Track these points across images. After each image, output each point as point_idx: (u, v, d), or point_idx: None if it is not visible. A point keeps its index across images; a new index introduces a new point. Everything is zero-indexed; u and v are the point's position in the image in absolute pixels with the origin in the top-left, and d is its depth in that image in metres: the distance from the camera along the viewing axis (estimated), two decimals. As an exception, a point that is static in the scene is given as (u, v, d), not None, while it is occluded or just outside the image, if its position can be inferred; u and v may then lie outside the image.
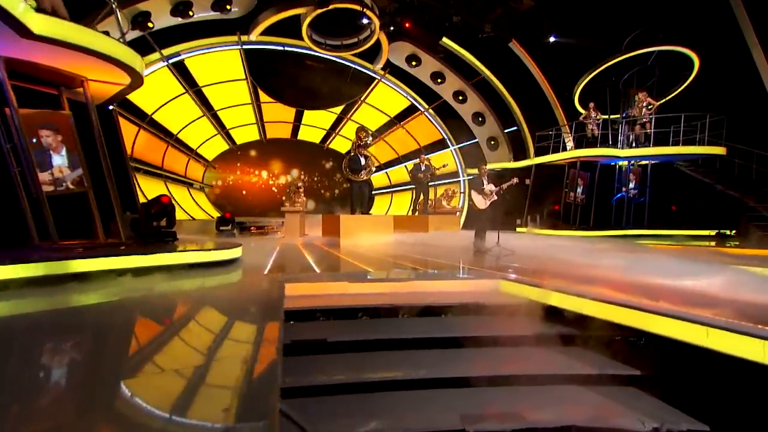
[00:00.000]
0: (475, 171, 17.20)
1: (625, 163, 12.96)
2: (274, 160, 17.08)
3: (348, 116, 16.48)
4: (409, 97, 16.09)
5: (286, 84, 14.45)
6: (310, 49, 13.50)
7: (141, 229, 5.80)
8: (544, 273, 4.39)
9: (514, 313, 3.54)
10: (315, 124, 16.83)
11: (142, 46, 10.32)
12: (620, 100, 13.68)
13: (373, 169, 9.75)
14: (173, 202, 6.44)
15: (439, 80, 15.18)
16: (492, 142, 15.91)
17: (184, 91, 12.18)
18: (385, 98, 16.12)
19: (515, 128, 15.47)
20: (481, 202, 7.67)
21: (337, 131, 17.29)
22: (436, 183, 18.50)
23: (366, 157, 9.69)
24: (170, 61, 11.19)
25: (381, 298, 3.80)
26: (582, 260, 5.36)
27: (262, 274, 4.63)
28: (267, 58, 13.43)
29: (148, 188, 11.77)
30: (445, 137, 17.08)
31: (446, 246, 7.94)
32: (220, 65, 12.66)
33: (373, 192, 21.47)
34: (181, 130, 13.30)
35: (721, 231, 10.99)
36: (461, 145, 17.01)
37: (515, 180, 7.67)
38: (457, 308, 3.61)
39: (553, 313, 3.37)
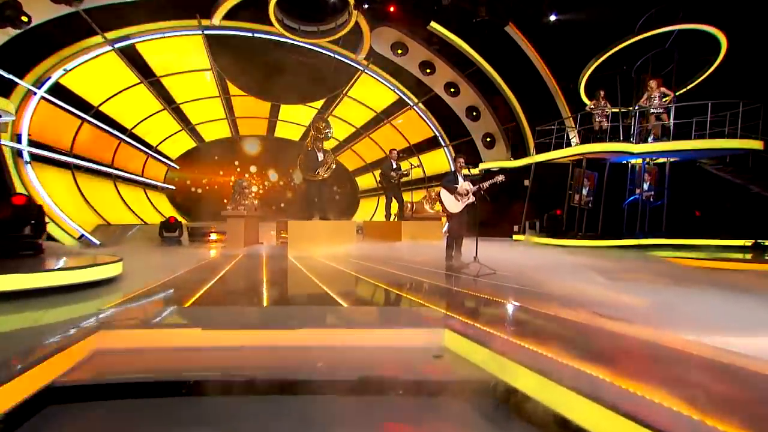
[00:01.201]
0: (474, 171, 15.59)
1: (639, 161, 11.10)
2: (248, 158, 15.71)
3: (329, 111, 14.88)
4: (396, 90, 14.44)
5: (258, 76, 12.90)
6: (283, 36, 11.96)
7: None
8: (522, 318, 2.70)
9: (455, 396, 1.89)
10: (293, 120, 15.30)
11: (79, 26, 8.89)
12: (633, 90, 11.84)
13: (333, 166, 8.11)
14: (32, 203, 4.88)
15: (428, 70, 13.50)
16: (488, 139, 14.14)
17: (138, 81, 10.71)
18: (370, 91, 14.50)
19: (513, 123, 13.69)
20: (452, 204, 5.97)
21: (318, 128, 15.78)
22: (427, 185, 17.05)
23: (325, 153, 8.05)
24: (117, 46, 9.72)
25: (237, 359, 2.19)
26: (590, 289, 3.63)
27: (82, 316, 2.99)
28: (234, 47, 11.90)
29: (94, 189, 10.32)
30: (437, 134, 15.38)
31: (411, 261, 6.23)
32: (180, 53, 11.17)
33: (359, 195, 20.01)
34: (136, 125, 11.85)
35: (759, 241, 9.08)
36: (455, 143, 15.27)
37: (500, 178, 5.96)
38: (358, 383, 1.96)
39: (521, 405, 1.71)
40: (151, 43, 10.45)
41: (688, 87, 11.68)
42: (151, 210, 12.35)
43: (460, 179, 6.08)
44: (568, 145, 11.84)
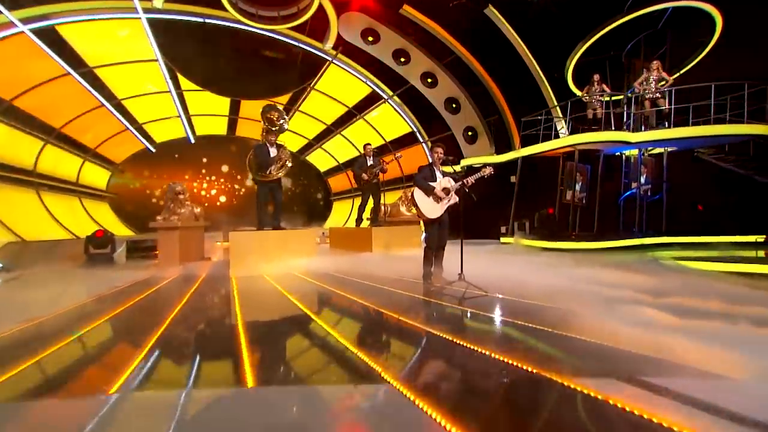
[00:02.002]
0: (456, 169, 14.39)
1: (635, 151, 10.08)
2: (207, 161, 14.19)
3: (296, 107, 13.49)
4: (368, 83, 13.15)
5: (213, 68, 11.44)
6: (238, 22, 10.54)
7: None
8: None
9: None
10: (256, 117, 13.64)
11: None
12: (624, 75, 10.85)
13: (289, 163, 6.77)
14: None
15: (402, 60, 12.26)
16: (469, 133, 12.98)
17: (65, 72, 9.11)
18: (341, 85, 13.17)
19: (496, 116, 12.57)
20: (430, 208, 4.72)
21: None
22: (405, 184, 15.78)
23: (279, 148, 6.69)
24: (29, 27, 8.11)
25: None
26: (648, 338, 2.39)
27: None
28: (185, 35, 10.40)
29: (6, 200, 8.66)
30: (414, 129, 14.16)
31: (380, 279, 4.94)
32: (117, 40, 9.60)
33: (332, 198, 18.62)
34: (66, 124, 10.24)
35: (770, 236, 8.12)
36: (434, 138, 14.07)
37: (488, 170, 4.77)
38: None
39: None
40: (78, 27, 8.86)
41: (682, 71, 10.74)
42: (88, 222, 10.70)
43: (438, 175, 4.83)
44: (557, 136, 10.77)
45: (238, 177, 15.73)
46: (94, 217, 10.98)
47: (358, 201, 16.44)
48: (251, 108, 13.28)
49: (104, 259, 7.54)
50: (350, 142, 15.15)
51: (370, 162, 8.30)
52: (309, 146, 15.99)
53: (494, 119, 12.68)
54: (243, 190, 15.78)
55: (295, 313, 3.59)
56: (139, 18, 9.50)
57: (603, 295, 3.57)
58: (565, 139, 9.60)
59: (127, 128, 11.56)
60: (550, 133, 10.48)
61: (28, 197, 9.38)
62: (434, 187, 4.67)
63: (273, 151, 6.74)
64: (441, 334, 2.65)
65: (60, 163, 10.52)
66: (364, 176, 8.11)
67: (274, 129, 6.84)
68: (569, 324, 2.68)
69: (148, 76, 10.55)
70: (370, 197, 8.28)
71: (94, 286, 4.91)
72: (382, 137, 14.76)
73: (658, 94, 8.66)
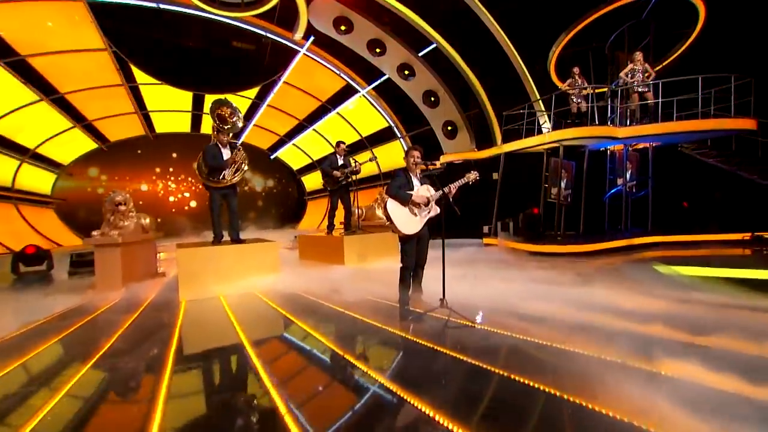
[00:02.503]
0: (432, 165, 13.75)
1: (620, 147, 9.70)
2: (169, 161, 13.13)
3: (265, 101, 12.55)
4: (342, 75, 12.33)
5: (171, 59, 10.40)
6: (198, 9, 9.52)
7: None
8: None
9: None
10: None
11: None
12: (607, 67, 10.43)
13: (245, 167, 5.95)
14: None
15: (378, 50, 11.47)
16: (449, 128, 12.37)
17: (-11, 62, 7.97)
18: (312, 77, 12.31)
19: (477, 110, 12.00)
20: (407, 221, 4.07)
21: (252, 120, 13.34)
22: (383, 182, 15.06)
23: (232, 148, 5.86)
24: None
25: None
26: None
27: None
28: (138, 22, 9.32)
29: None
30: (391, 124, 13.46)
31: (350, 305, 4.25)
32: (56, 26, 8.45)
33: (306, 197, 17.76)
34: None
35: (757, 234, 7.88)
36: (412, 133, 13.42)
37: (473, 176, 4.15)
38: None
39: None
40: (3, 9, 7.71)
41: (664, 63, 10.41)
42: (27, 231, 9.54)
43: (416, 182, 4.16)
44: (540, 131, 10.29)
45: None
46: (36, 226, 9.80)
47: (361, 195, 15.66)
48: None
49: (38, 278, 6.57)
50: (324, 138, 14.33)
51: (341, 162, 7.52)
52: (281, 143, 15.07)
53: (475, 113, 12.11)
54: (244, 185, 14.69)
55: (241, 363, 2.88)
56: (81, 1, 8.40)
57: (627, 332, 2.99)
58: (550, 135, 9.10)
59: (75, 125, 10.36)
60: (533, 128, 9.99)
61: None
62: (411, 197, 4.00)
63: (226, 153, 5.82)
64: (414, 403, 2.00)
65: None
66: (336, 174, 7.28)
67: (226, 127, 5.95)
68: (594, 393, 2.06)
69: (95, 68, 9.41)
70: (340, 201, 7.53)
71: (3, 321, 4.04)
72: (358, 132, 14.00)
73: (645, 88, 8.23)
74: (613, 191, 9.72)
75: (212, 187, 5.74)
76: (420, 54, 11.66)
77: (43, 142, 10.20)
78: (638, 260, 6.82)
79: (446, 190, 4.07)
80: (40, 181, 10.75)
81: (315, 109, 13.38)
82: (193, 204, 14.32)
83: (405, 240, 4.04)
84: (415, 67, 11.89)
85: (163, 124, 12.49)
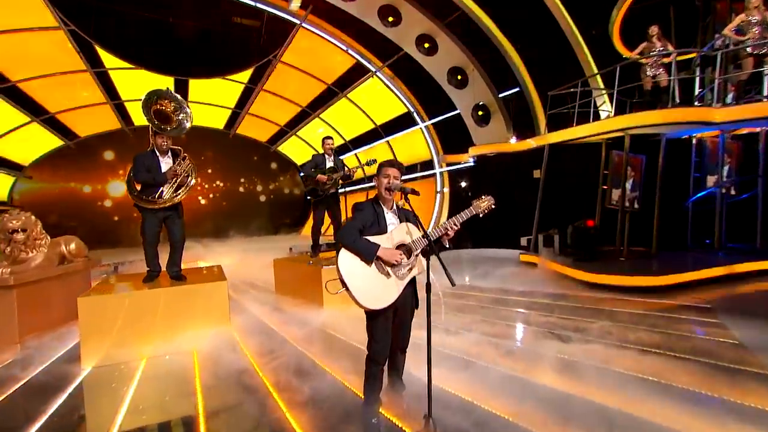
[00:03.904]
0: (459, 158, 11.84)
1: (711, 134, 7.42)
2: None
3: (261, 85, 11.07)
4: (351, 52, 10.63)
5: (144, 39, 9.12)
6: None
7: None
8: None
9: None
10: (210, 100, 11.52)
11: None
12: (698, 24, 8.00)
13: (192, 181, 4.60)
14: None
15: (391, 19, 9.65)
16: (480, 113, 10.42)
17: None
18: (316, 56, 10.71)
19: (516, 89, 9.95)
20: (371, 288, 2.47)
21: (246, 109, 11.91)
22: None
23: (175, 156, 4.57)
24: None
25: None
26: None
27: None
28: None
29: None
30: (411, 109, 11.64)
31: (314, 398, 2.64)
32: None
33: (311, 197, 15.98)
34: None
35: None
36: (435, 119, 11.55)
37: (485, 204, 2.52)
38: None
39: None
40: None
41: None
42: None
43: (390, 219, 2.61)
44: (598, 116, 8.17)
45: (208, 171, 13.56)
46: None
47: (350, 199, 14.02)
48: (203, 89, 10.91)
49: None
50: (331, 127, 12.74)
51: (329, 164, 5.93)
52: (281, 134, 13.67)
53: (513, 94, 10.06)
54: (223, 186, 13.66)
55: None
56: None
57: None
58: (610, 121, 7.00)
59: (33, 120, 9.32)
60: (588, 111, 7.90)
61: None
62: (377, 251, 2.36)
63: (166, 163, 4.52)
64: None
65: None
66: (322, 178, 5.78)
67: (165, 128, 4.56)
68: None
69: (51, 51, 8.24)
70: (326, 213, 5.98)
71: None
72: (371, 119, 12.30)
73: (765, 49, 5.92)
74: (701, 194, 7.49)
75: (145, 209, 4.46)
76: (444, 22, 9.72)
77: None
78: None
79: (441, 230, 2.56)
80: None
81: (320, 94, 11.81)
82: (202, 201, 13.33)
83: (373, 314, 2.50)
84: (437, 39, 9.99)
85: (142, 116, 11.19)
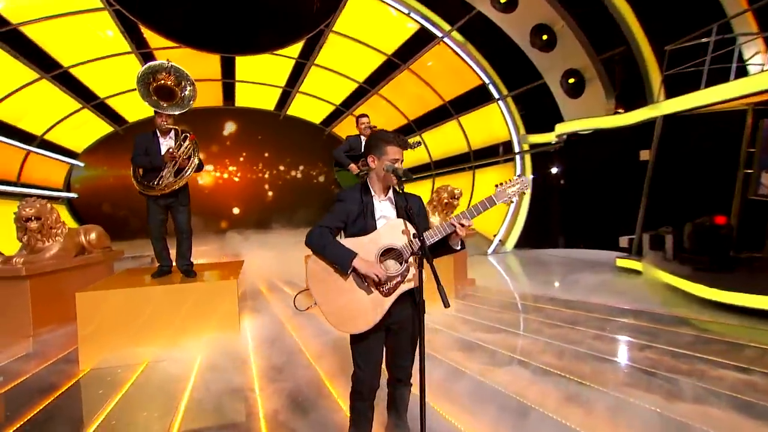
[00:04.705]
0: (545, 137, 10.62)
1: None
2: (200, 143, 12.40)
3: (312, 60, 10.92)
4: (414, 15, 9.99)
5: (188, 15, 9.41)
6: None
7: None
8: None
9: None
10: (259, 79, 11.73)
11: None
12: None
13: (196, 161, 4.55)
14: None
15: (458, -31, 8.84)
16: (572, 80, 9.21)
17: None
18: (373, 23, 10.26)
19: (622, 47, 8.56)
20: (345, 305, 2.10)
21: (297, 87, 11.88)
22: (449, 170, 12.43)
23: (177, 134, 4.54)
24: None
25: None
26: None
27: None
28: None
29: None
30: (486, 80, 10.71)
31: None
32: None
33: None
34: None
35: None
36: (516, 92, 10.49)
37: (513, 188, 2.13)
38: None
39: None
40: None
41: None
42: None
43: (382, 208, 2.20)
44: (744, 73, 6.58)
45: (265, 154, 13.99)
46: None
47: (422, 187, 13.75)
48: (250, 67, 11.08)
49: None
50: (393, 105, 12.26)
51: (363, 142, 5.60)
52: (336, 114, 13.51)
53: (618, 53, 8.68)
54: (269, 173, 14.04)
55: None
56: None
57: None
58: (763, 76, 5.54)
59: (85, 106, 10.14)
60: (728, 68, 6.39)
61: None
62: (353, 260, 2.02)
63: (166, 144, 4.49)
64: None
65: None
66: (353, 168, 5.50)
67: (165, 106, 4.49)
68: None
69: (97, 33, 8.82)
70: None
71: None
72: (439, 95, 11.57)
73: None
74: None
75: (148, 196, 4.50)
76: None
77: (51, 128, 10.30)
78: None
79: (445, 227, 2.04)
80: (51, 172, 10.97)
81: (379, 67, 11.35)
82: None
83: (357, 337, 2.13)
84: (517, -10, 8.95)
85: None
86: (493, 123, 11.19)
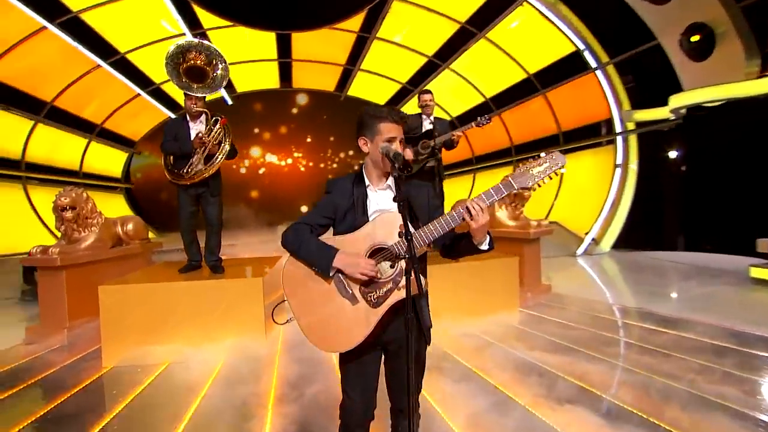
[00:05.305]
0: (657, 113, 9.40)
1: None
2: (255, 128, 13.04)
3: (374, 32, 10.69)
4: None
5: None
6: None
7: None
8: None
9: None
10: (317, 57, 11.75)
11: None
12: None
13: (227, 147, 4.63)
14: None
15: None
16: (694, 38, 8.03)
17: (41, 25, 8.47)
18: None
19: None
20: (323, 319, 1.89)
21: (359, 64, 11.76)
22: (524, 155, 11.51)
23: (207, 117, 4.67)
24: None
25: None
26: None
27: None
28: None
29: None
30: (580, 46, 9.77)
31: None
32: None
33: (441, 173, 14.89)
34: (60, 94, 9.72)
35: None
36: (620, 58, 9.43)
37: (540, 167, 1.79)
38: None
39: None
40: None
41: None
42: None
43: (379, 199, 1.97)
44: None
45: (330, 138, 14.29)
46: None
47: (483, 178, 13.05)
48: (308, 44, 11.14)
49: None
50: (467, 81, 11.67)
51: (427, 126, 5.49)
52: (402, 93, 13.13)
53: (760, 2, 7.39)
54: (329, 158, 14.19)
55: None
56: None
57: None
58: None
59: (140, 93, 10.86)
60: None
61: (12, 196, 9.45)
62: (333, 258, 1.83)
63: (195, 128, 4.67)
64: None
65: (57, 147, 10.48)
66: (408, 153, 5.34)
67: (198, 87, 4.64)
68: None
69: (151, 15, 9.36)
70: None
71: None
72: (522, 67, 10.77)
73: None
74: None
75: (178, 186, 4.73)
76: None
77: (109, 116, 11.15)
78: None
79: (451, 218, 1.78)
80: (110, 162, 11.91)
81: (450, 38, 10.81)
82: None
83: (345, 358, 1.97)
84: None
85: (243, 81, 12.38)
86: (588, 98, 10.21)
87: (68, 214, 5.10)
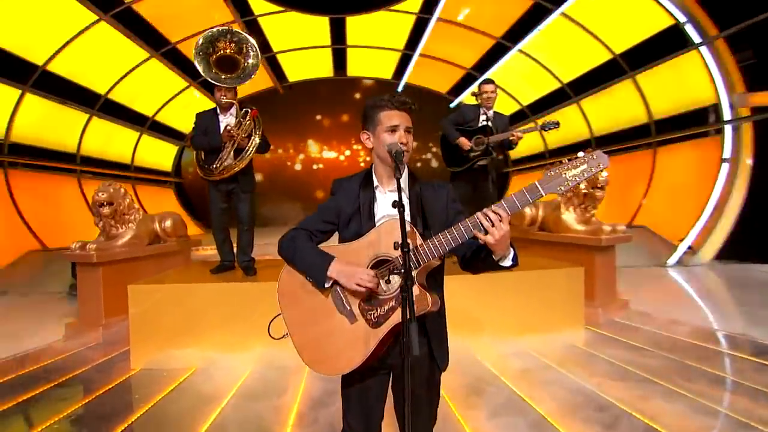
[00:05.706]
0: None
1: None
2: (306, 120, 13.10)
3: (435, 12, 10.36)
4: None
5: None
6: None
7: None
8: None
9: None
10: (373, 42, 11.60)
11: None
12: None
13: (257, 140, 4.63)
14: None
15: None
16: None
17: (97, 17, 8.88)
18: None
19: None
20: (317, 337, 1.76)
21: (418, 49, 11.45)
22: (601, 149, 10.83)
23: (238, 109, 4.74)
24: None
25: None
26: None
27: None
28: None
29: (35, 192, 9.29)
30: (680, 18, 8.96)
31: None
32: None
33: (510, 168, 14.10)
34: (113, 87, 10.27)
35: None
36: (728, 31, 8.46)
37: (578, 168, 1.56)
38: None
39: None
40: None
41: None
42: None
43: (387, 201, 1.78)
44: None
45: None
46: (150, 210, 11.36)
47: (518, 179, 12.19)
48: (364, 29, 11.02)
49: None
50: (540, 64, 11.04)
51: (483, 121, 5.18)
52: (467, 80, 12.78)
53: None
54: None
55: None
56: None
57: None
58: None
59: (190, 84, 11.23)
60: None
61: (68, 189, 10.08)
62: (328, 266, 1.70)
63: (225, 121, 4.71)
64: None
65: (110, 140, 11.02)
66: (463, 142, 5.16)
67: (228, 78, 4.67)
68: None
69: (200, 3, 9.63)
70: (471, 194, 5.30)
71: None
72: (606, 46, 10.00)
73: None
74: None
75: (209, 181, 4.80)
76: None
77: (161, 108, 11.64)
78: None
79: (465, 228, 1.58)
80: (161, 155, 12.42)
81: (521, 17, 10.23)
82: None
83: (347, 382, 1.88)
84: None
85: (295, 70, 12.47)
86: (688, 80, 9.29)
87: (105, 210, 5.32)
